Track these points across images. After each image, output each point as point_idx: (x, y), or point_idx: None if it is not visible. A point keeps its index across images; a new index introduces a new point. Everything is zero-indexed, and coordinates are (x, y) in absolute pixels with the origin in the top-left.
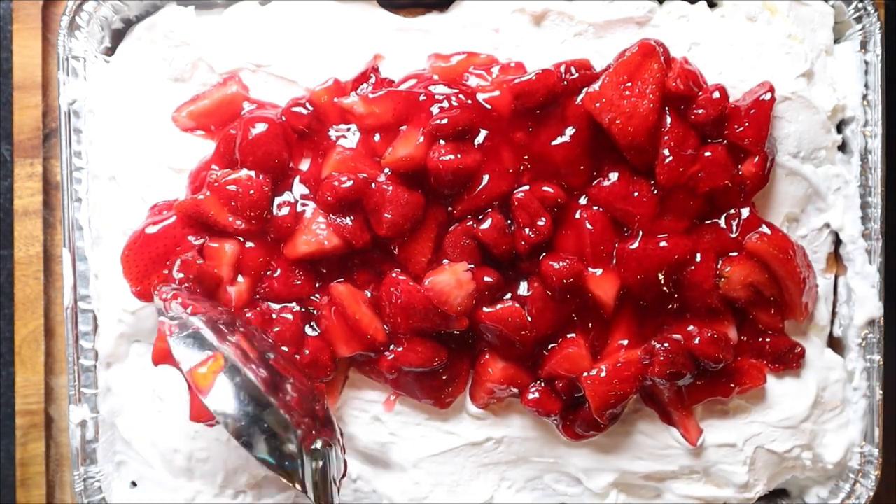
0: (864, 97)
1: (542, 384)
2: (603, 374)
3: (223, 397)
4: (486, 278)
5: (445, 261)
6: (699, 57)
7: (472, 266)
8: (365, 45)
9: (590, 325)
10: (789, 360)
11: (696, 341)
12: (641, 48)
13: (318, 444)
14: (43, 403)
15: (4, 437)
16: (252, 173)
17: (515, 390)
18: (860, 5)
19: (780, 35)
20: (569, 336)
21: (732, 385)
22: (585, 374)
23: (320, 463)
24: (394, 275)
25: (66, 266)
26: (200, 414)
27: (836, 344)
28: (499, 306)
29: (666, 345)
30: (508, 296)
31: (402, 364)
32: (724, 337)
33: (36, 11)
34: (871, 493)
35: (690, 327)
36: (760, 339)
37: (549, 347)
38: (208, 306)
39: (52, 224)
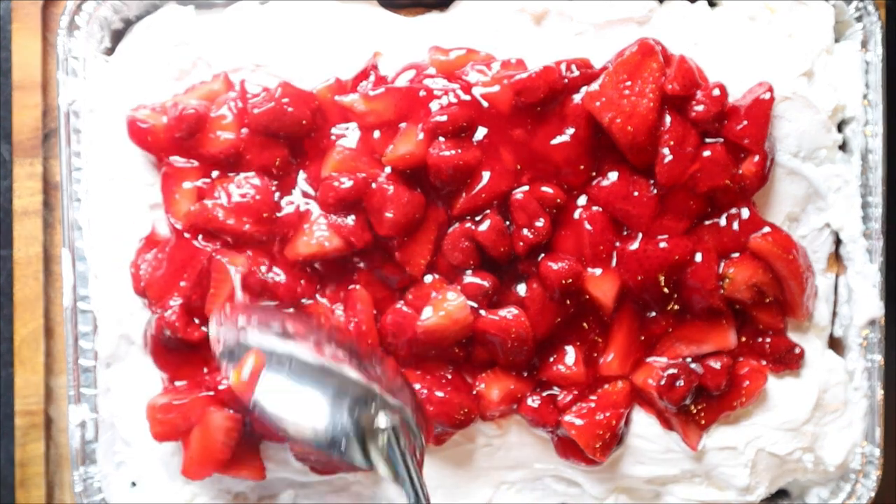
0: (865, 96)
1: (545, 394)
2: (581, 424)
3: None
4: (484, 282)
5: (437, 275)
6: (699, 56)
7: (466, 279)
8: (365, 45)
9: (589, 326)
10: (789, 361)
11: (701, 371)
12: (641, 47)
13: (383, 420)
14: (43, 404)
15: (4, 437)
16: (253, 175)
17: (516, 406)
18: (861, 5)
19: (780, 34)
20: (566, 348)
21: (735, 403)
22: (567, 418)
23: (384, 439)
24: (398, 305)
25: (66, 266)
26: (191, 470)
27: (836, 344)
28: (501, 313)
29: (673, 371)
30: (510, 308)
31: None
32: (727, 364)
33: (36, 11)
34: (872, 494)
35: (688, 359)
36: (760, 340)
37: (548, 356)
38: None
39: (52, 224)
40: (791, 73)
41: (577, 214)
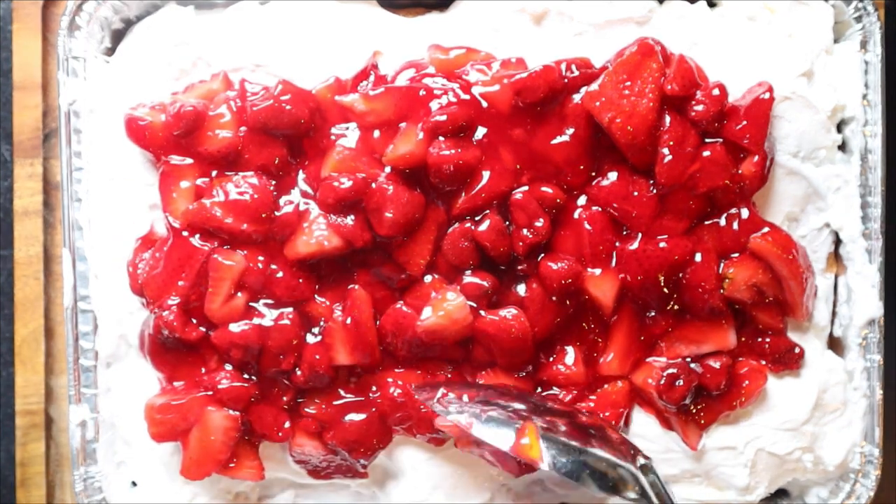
0: (864, 97)
1: (545, 394)
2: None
3: (552, 455)
4: (484, 282)
5: (436, 275)
6: (699, 56)
7: (465, 279)
8: (364, 45)
9: (589, 327)
10: (789, 361)
11: (701, 370)
12: (640, 47)
13: (641, 461)
14: (43, 403)
15: (4, 437)
16: (252, 174)
17: None
18: (860, 5)
19: (779, 34)
20: (565, 348)
21: (734, 403)
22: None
23: (651, 476)
24: (398, 305)
25: (66, 266)
26: (190, 470)
27: (836, 344)
28: (501, 313)
29: (673, 370)
30: (509, 308)
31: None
32: (727, 364)
33: (36, 11)
34: (872, 494)
35: (688, 358)
36: (760, 340)
37: (547, 356)
38: (474, 392)
39: (52, 224)
40: (791, 73)
41: (576, 214)
